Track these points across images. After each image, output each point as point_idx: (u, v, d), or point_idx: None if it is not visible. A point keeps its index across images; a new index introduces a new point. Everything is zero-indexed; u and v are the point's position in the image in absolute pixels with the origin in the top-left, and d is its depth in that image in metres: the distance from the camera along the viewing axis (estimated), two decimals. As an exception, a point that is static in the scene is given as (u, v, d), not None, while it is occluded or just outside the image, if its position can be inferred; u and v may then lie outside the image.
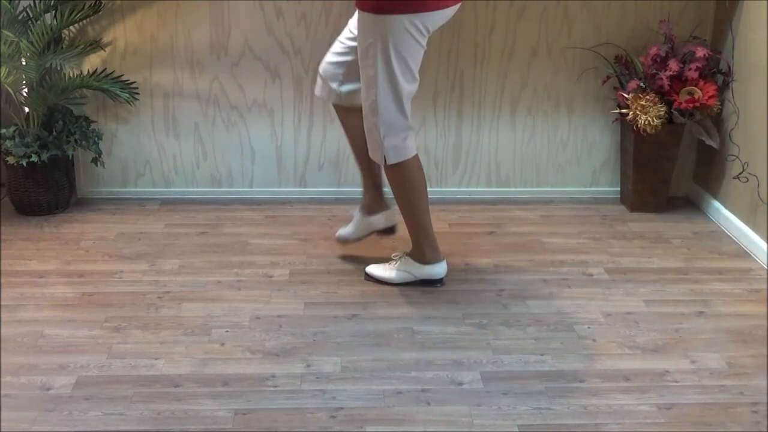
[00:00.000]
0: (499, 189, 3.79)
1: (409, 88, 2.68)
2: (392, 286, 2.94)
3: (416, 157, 2.79)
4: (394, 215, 3.01)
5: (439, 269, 2.92)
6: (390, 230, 3.07)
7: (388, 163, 2.75)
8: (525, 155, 3.76)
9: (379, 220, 3.03)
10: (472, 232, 3.42)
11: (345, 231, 3.10)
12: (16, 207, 3.50)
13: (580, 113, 3.71)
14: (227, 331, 2.64)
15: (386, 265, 2.97)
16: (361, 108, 2.76)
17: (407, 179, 2.80)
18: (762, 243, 3.18)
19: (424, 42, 2.66)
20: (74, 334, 2.61)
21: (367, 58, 2.63)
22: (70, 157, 3.51)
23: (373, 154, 2.79)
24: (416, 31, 2.60)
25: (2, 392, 2.30)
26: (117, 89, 3.42)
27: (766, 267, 3.13)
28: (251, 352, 2.53)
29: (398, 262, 2.95)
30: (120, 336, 2.60)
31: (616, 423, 2.23)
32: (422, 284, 2.93)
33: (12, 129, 3.36)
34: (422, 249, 2.90)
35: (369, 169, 2.97)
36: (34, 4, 3.34)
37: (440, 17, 2.67)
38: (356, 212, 3.07)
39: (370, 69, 2.64)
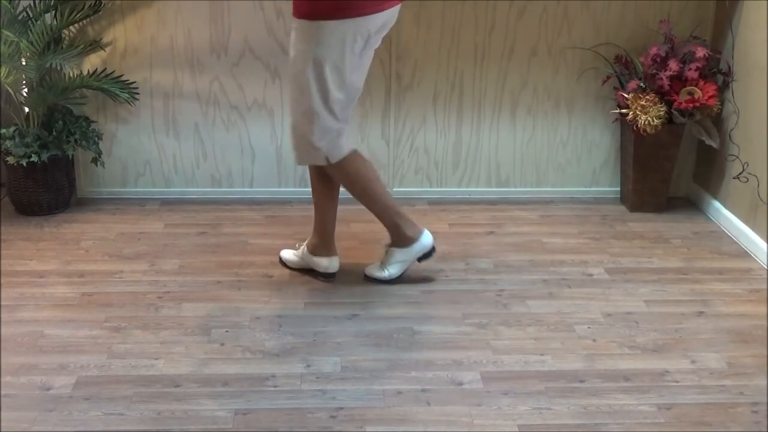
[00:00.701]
0: (499, 189, 3.79)
1: (340, 96, 2.66)
2: (392, 286, 2.94)
3: (355, 151, 2.82)
4: (335, 264, 2.98)
5: (426, 240, 2.93)
6: (329, 276, 2.99)
7: (332, 162, 2.76)
8: (525, 155, 3.76)
9: (320, 263, 2.98)
10: (472, 232, 3.42)
11: (287, 254, 3.09)
12: (16, 207, 3.50)
13: (580, 113, 3.71)
14: (227, 331, 2.64)
15: (379, 264, 2.98)
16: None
17: (353, 172, 2.83)
18: (762, 243, 3.18)
19: (361, 46, 2.62)
20: (74, 334, 2.61)
21: (298, 64, 2.62)
22: (70, 157, 3.51)
23: (305, 159, 2.79)
24: (352, 37, 2.58)
25: (2, 392, 2.30)
26: (117, 89, 3.42)
27: (766, 267, 3.13)
28: (251, 352, 2.53)
29: (389, 258, 2.96)
30: (120, 336, 2.60)
31: (616, 423, 2.23)
32: (419, 261, 2.95)
33: (12, 129, 3.36)
34: (400, 230, 2.91)
35: (323, 211, 2.96)
36: (34, 4, 3.34)
37: (379, 20, 2.63)
38: (303, 244, 3.05)
39: (302, 75, 2.62)
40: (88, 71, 3.48)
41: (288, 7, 3.46)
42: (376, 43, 2.74)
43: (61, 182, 3.49)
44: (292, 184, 3.73)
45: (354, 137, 3.67)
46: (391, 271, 2.95)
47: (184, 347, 2.55)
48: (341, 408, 2.27)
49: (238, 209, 3.59)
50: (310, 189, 2.96)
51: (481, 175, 3.78)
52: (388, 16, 2.68)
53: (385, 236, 3.31)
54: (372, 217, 3.54)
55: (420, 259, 2.96)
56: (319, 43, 2.57)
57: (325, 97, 2.65)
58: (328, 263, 2.97)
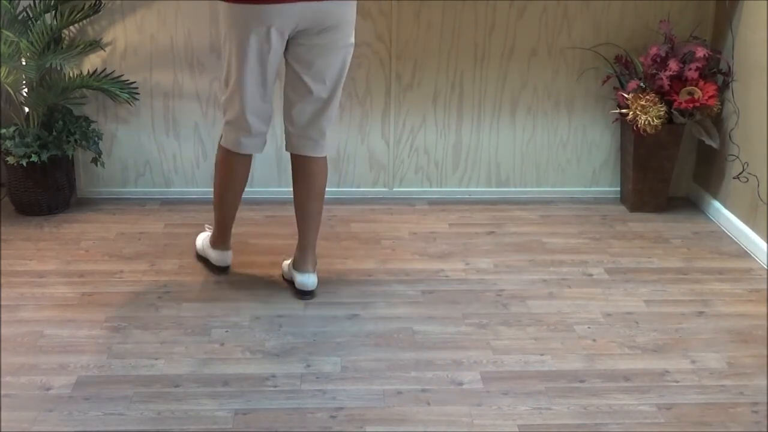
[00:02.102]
0: (499, 189, 3.79)
1: (239, 79, 2.61)
2: (392, 286, 2.94)
3: (236, 156, 2.79)
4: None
5: (217, 256, 3.00)
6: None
7: (221, 142, 2.83)
8: (525, 155, 3.76)
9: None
10: (472, 232, 3.42)
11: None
12: (16, 207, 3.50)
13: (580, 113, 3.71)
14: (227, 331, 2.64)
15: (205, 234, 3.11)
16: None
17: (219, 165, 2.87)
18: (762, 243, 3.18)
19: (260, 39, 2.53)
20: (74, 334, 2.61)
21: (222, 44, 2.69)
22: (70, 157, 3.51)
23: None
24: (245, 25, 2.52)
25: (2, 392, 2.30)
26: (117, 89, 3.42)
27: (766, 267, 3.13)
28: (251, 352, 2.53)
29: (206, 233, 3.13)
30: (120, 336, 2.60)
31: (616, 423, 2.23)
32: (209, 268, 3.03)
33: (12, 129, 3.36)
34: (214, 230, 3.02)
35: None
36: (34, 4, 3.34)
37: (276, 13, 2.50)
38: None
39: (223, 53, 2.69)
40: (88, 71, 3.48)
41: (288, 7, 3.47)
42: (296, 47, 2.61)
43: (61, 182, 3.49)
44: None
45: (354, 137, 3.67)
46: (199, 243, 3.13)
47: (184, 347, 2.55)
48: (341, 408, 2.27)
49: (238, 209, 3.59)
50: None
51: (481, 175, 3.78)
52: (295, 13, 2.51)
53: (384, 236, 3.32)
54: (372, 217, 3.56)
55: (211, 268, 3.03)
56: (223, 24, 2.62)
57: (228, 75, 2.67)
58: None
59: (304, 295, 2.85)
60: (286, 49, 2.64)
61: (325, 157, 2.83)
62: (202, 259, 3.10)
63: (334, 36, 2.60)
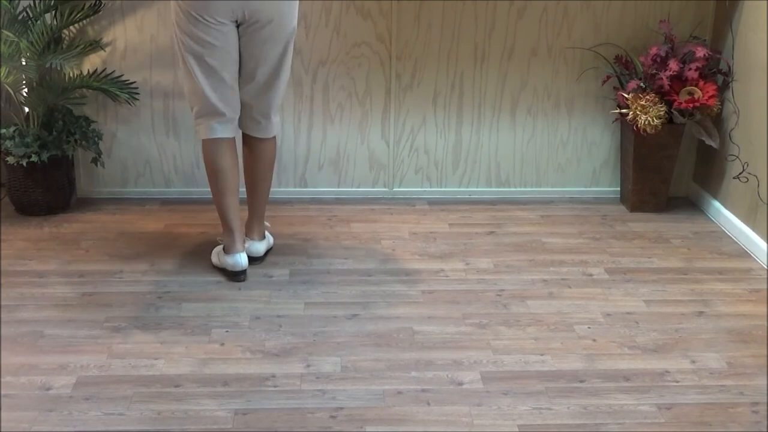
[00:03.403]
0: (499, 189, 3.79)
1: (202, 68, 2.77)
2: (392, 286, 2.94)
3: (214, 143, 2.86)
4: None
5: (230, 260, 2.97)
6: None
7: (199, 137, 2.91)
8: (525, 155, 3.76)
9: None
10: (472, 232, 3.42)
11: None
12: (16, 207, 3.50)
13: (580, 113, 3.71)
14: (227, 331, 2.64)
15: (218, 247, 3.10)
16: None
17: (205, 161, 2.93)
18: (762, 243, 3.18)
19: (198, 27, 2.71)
20: (74, 334, 2.61)
21: (174, 39, 2.88)
22: (70, 157, 3.51)
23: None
24: (183, 14, 2.72)
25: (2, 392, 2.30)
26: (117, 89, 3.42)
27: (766, 267, 3.13)
28: (251, 352, 2.53)
29: (214, 249, 3.11)
30: (120, 336, 2.60)
31: (616, 423, 2.23)
32: (226, 278, 2.99)
33: (12, 129, 3.36)
34: (223, 235, 3.01)
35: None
36: (34, 4, 3.34)
37: (209, 6, 2.69)
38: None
39: (176, 48, 2.86)
40: (88, 71, 3.48)
41: (288, 7, 3.47)
42: (240, 38, 2.78)
43: (61, 182, 3.49)
44: (292, 184, 3.73)
45: (354, 137, 3.67)
46: (213, 259, 3.08)
47: (184, 347, 2.55)
48: (341, 408, 2.27)
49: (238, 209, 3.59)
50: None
51: (481, 175, 3.78)
52: (229, 6, 2.69)
53: (384, 236, 3.32)
54: (372, 217, 3.56)
55: (229, 276, 2.99)
56: (173, 19, 2.79)
57: (186, 69, 2.81)
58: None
59: (252, 261, 3.03)
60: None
61: (273, 138, 2.99)
62: (221, 270, 3.04)
63: (271, 29, 2.76)
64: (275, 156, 3.04)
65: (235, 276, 2.97)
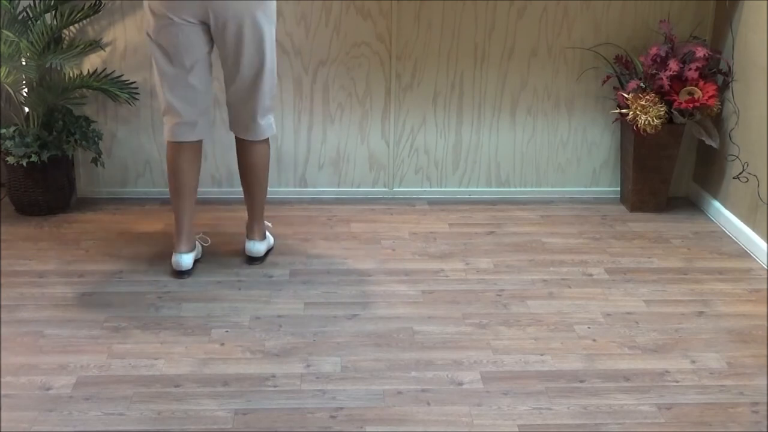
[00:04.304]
0: (499, 189, 3.79)
1: (164, 67, 2.78)
2: (392, 286, 2.94)
3: (174, 146, 2.89)
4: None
5: (173, 259, 2.98)
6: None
7: (166, 137, 2.92)
8: (525, 155, 3.76)
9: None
10: (472, 232, 3.42)
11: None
12: (16, 207, 3.50)
13: (580, 113, 3.71)
14: (227, 331, 2.64)
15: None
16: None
17: (166, 159, 2.94)
18: (762, 243, 3.18)
19: (160, 25, 2.72)
20: (74, 334, 2.61)
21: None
22: (70, 157, 3.51)
23: None
24: (148, 11, 2.74)
25: (2, 392, 2.30)
26: (117, 89, 3.42)
27: (766, 267, 3.13)
28: (251, 352, 2.53)
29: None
30: (120, 336, 2.60)
31: (616, 423, 2.23)
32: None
33: (12, 129, 3.36)
34: (175, 233, 3.02)
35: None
36: (34, 4, 3.34)
37: (175, 5, 2.68)
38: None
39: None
40: (88, 71, 3.48)
41: (288, 7, 3.47)
42: (215, 39, 2.77)
43: (61, 182, 3.49)
44: (292, 184, 3.73)
45: (354, 137, 3.67)
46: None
47: (184, 347, 2.55)
48: (341, 408, 2.27)
49: (238, 209, 3.58)
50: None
51: (481, 175, 3.78)
52: (188, 6, 2.67)
53: (384, 236, 3.32)
54: (372, 217, 3.56)
55: (172, 274, 2.99)
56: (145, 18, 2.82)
57: (155, 67, 2.82)
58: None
59: (252, 261, 3.09)
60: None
61: (264, 142, 2.97)
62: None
63: (240, 30, 2.72)
64: (268, 158, 3.01)
65: (178, 275, 2.98)
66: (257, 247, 3.09)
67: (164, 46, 2.75)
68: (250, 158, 2.97)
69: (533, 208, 3.67)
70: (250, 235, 3.10)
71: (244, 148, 2.97)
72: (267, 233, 3.16)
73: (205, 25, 2.74)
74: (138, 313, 2.74)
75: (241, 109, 2.89)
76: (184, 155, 2.90)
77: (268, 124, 2.94)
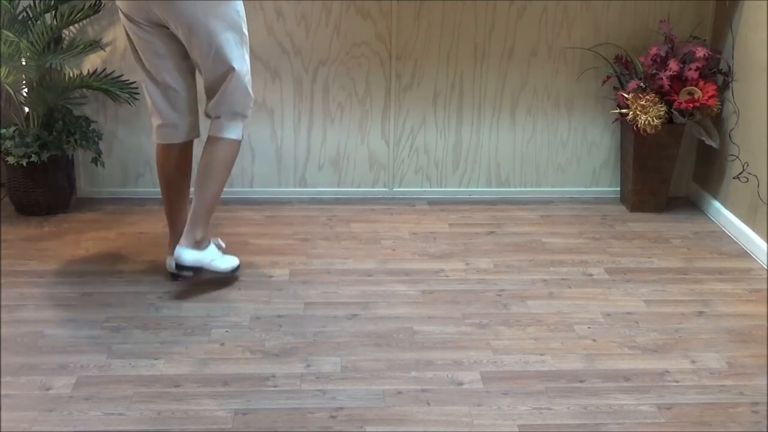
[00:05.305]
0: (499, 189, 3.79)
1: (141, 68, 2.79)
2: (392, 286, 2.94)
3: (160, 147, 2.88)
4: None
5: (167, 260, 2.94)
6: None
7: (154, 139, 2.91)
8: (525, 155, 3.76)
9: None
10: (472, 232, 3.42)
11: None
12: (16, 207, 3.50)
13: (580, 113, 3.71)
14: (227, 331, 2.64)
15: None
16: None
17: (158, 160, 2.92)
18: (762, 243, 3.18)
19: (131, 27, 2.71)
20: (74, 334, 2.61)
21: None
22: (70, 157, 3.51)
23: None
24: (120, 11, 2.73)
25: (2, 392, 2.30)
26: (117, 89, 3.42)
27: (766, 267, 3.13)
28: (251, 352, 2.53)
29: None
30: (120, 336, 2.60)
31: (616, 423, 2.23)
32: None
33: (12, 129, 3.36)
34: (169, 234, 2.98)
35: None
36: (34, 4, 3.34)
37: (124, 6, 2.69)
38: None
39: None
40: (88, 71, 3.48)
41: (288, 7, 3.47)
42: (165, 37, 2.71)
43: (61, 182, 3.49)
44: (292, 184, 3.73)
45: (354, 137, 3.67)
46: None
47: (184, 347, 2.55)
48: (341, 408, 2.27)
49: (238, 209, 3.59)
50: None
51: (481, 175, 3.78)
52: (139, 8, 2.65)
53: (384, 236, 3.32)
54: (372, 217, 3.56)
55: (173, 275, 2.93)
56: None
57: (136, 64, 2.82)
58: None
59: (178, 269, 2.85)
60: None
61: (225, 141, 2.78)
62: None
63: (187, 30, 2.65)
64: (227, 162, 2.80)
65: (171, 277, 2.94)
66: (179, 253, 2.78)
67: (136, 45, 2.76)
68: (206, 153, 2.78)
69: (533, 208, 3.67)
70: (180, 239, 2.83)
71: (208, 142, 2.81)
72: (212, 246, 2.88)
73: (167, 27, 2.69)
74: (138, 313, 2.74)
75: (209, 102, 2.78)
76: (171, 156, 2.88)
77: (231, 126, 2.77)
